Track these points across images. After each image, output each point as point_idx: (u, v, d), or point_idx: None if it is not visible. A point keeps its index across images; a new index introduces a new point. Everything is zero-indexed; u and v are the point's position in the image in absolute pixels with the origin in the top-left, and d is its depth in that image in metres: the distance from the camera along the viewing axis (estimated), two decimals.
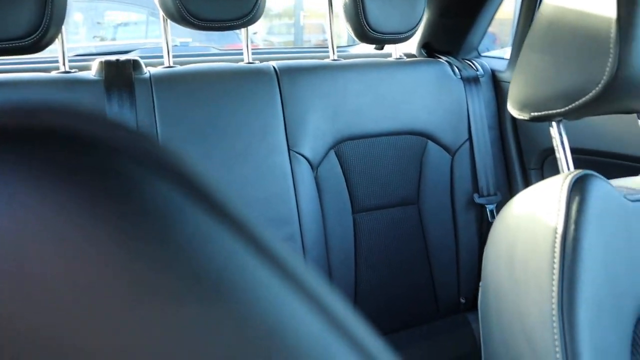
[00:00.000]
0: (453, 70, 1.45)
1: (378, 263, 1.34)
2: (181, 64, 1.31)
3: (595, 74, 0.61)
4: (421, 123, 1.37)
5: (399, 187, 1.36)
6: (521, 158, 1.46)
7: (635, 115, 0.79)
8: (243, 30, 1.36)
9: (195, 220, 0.15)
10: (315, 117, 1.27)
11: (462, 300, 1.45)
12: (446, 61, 1.48)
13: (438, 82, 1.41)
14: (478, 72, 1.48)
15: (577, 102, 0.63)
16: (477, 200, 1.40)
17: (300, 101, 1.26)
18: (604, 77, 0.60)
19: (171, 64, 1.29)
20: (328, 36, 1.48)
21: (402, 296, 1.38)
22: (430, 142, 1.38)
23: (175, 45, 2.01)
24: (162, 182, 0.14)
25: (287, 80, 1.27)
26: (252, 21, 1.25)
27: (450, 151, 1.40)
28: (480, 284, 0.68)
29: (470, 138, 1.41)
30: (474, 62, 1.53)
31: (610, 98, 0.62)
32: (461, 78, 1.44)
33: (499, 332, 0.62)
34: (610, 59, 0.59)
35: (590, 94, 0.62)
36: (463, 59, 1.54)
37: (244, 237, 0.15)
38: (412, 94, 1.37)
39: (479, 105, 1.43)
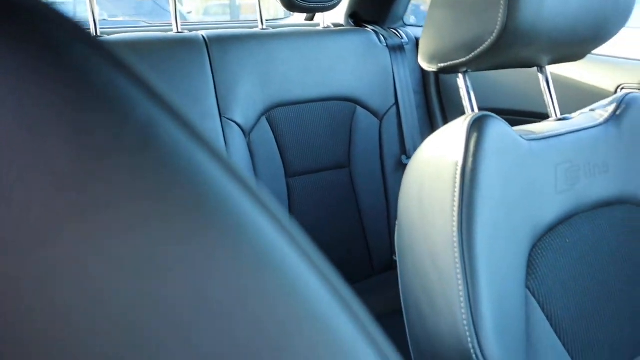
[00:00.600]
0: (379, 39, 1.51)
1: (312, 225, 1.39)
2: (108, 34, 1.30)
3: (489, 24, 0.67)
4: (349, 89, 1.42)
5: (331, 151, 1.41)
6: (445, 120, 1.54)
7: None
8: (171, 0, 1.36)
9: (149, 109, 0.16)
10: (245, 84, 1.30)
11: (395, 258, 1.52)
12: (372, 30, 1.54)
13: (364, 49, 1.47)
14: (403, 40, 1.55)
15: (476, 52, 0.69)
16: (405, 161, 1.47)
17: (230, 69, 1.29)
18: (497, 27, 0.66)
19: (98, 34, 1.28)
20: (257, 7, 1.50)
21: (337, 257, 1.44)
22: (358, 107, 1.44)
23: (103, 20, 1.98)
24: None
25: (216, 48, 1.29)
26: None
27: (378, 115, 1.46)
28: (396, 223, 0.73)
29: (396, 103, 1.48)
30: (399, 30, 1.59)
31: (504, 47, 0.69)
32: (387, 46, 1.50)
33: (412, 264, 0.68)
34: (500, 10, 0.65)
35: (486, 44, 0.68)
36: (389, 28, 1.60)
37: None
38: (340, 61, 1.42)
39: (404, 72, 1.49)
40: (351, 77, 1.43)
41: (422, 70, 1.57)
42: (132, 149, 0.15)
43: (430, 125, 1.57)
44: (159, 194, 0.15)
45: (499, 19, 0.66)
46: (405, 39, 1.56)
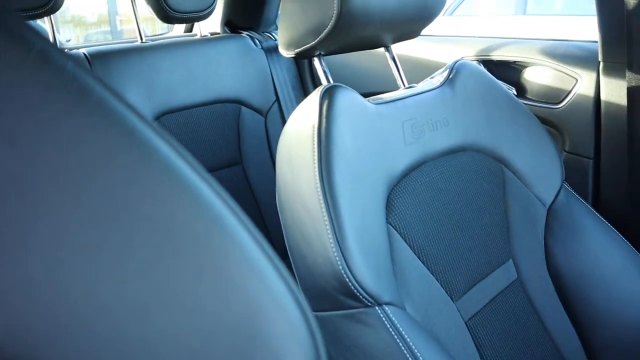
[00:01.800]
0: (254, 42, 1.62)
1: None
2: None
3: (328, 9, 0.79)
4: (232, 91, 1.52)
5: (222, 151, 1.50)
6: None
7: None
8: (47, 19, 1.40)
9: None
10: (131, 96, 1.36)
11: None
12: (248, 35, 1.65)
13: (242, 53, 1.58)
14: (277, 42, 1.67)
15: (322, 35, 0.81)
16: None
17: (114, 83, 1.34)
18: (334, 12, 0.78)
19: None
20: (134, 22, 1.57)
21: None
22: (243, 107, 1.54)
23: None
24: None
25: (98, 64, 1.34)
26: None
27: (262, 113, 1.57)
28: (276, 188, 0.83)
29: (277, 99, 1.60)
30: (272, 33, 1.72)
31: (345, 28, 0.81)
32: (262, 48, 1.62)
33: (290, 218, 0.78)
34: None
35: (329, 27, 0.80)
36: (263, 32, 1.72)
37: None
38: (220, 66, 1.52)
39: (281, 70, 1.62)
40: (232, 79, 1.53)
41: (298, 67, 1.70)
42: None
43: None
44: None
45: (335, 4, 0.78)
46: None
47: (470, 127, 0.93)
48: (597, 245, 0.95)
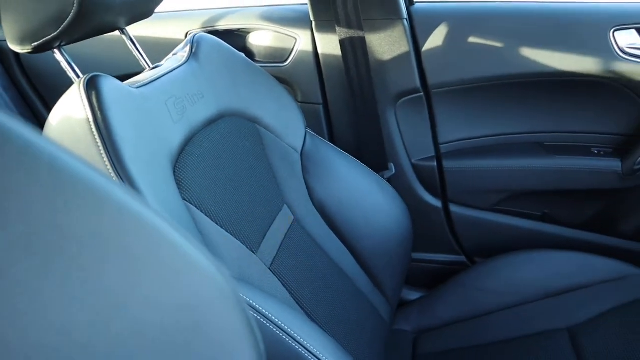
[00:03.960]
0: None
1: None
2: None
3: None
4: None
5: None
6: (47, 104, 1.55)
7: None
8: None
9: None
10: None
11: None
12: None
13: None
14: None
15: (64, 24, 0.77)
16: None
17: None
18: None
19: None
20: None
21: None
22: None
23: None
24: None
25: None
26: None
27: None
28: None
29: None
30: None
31: (88, 15, 0.78)
32: None
33: None
34: None
35: (71, 15, 0.76)
36: None
37: None
38: None
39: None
40: None
41: (3, 63, 1.51)
42: None
43: (34, 115, 1.55)
44: None
45: None
46: None
47: (221, 95, 0.99)
48: (345, 173, 1.13)
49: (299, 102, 1.28)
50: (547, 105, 1.29)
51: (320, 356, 0.70)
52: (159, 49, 1.37)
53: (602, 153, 1.28)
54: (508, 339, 1.11)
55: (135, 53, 1.00)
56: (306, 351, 0.70)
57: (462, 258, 1.43)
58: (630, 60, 1.16)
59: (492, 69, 1.24)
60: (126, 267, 0.22)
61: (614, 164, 1.25)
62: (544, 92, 1.27)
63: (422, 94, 1.28)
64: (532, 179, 1.31)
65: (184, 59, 0.97)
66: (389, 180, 1.25)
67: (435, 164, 1.35)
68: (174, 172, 0.82)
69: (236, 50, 1.06)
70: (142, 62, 1.00)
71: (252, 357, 0.27)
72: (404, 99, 1.29)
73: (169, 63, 0.97)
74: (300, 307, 0.91)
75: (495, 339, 1.13)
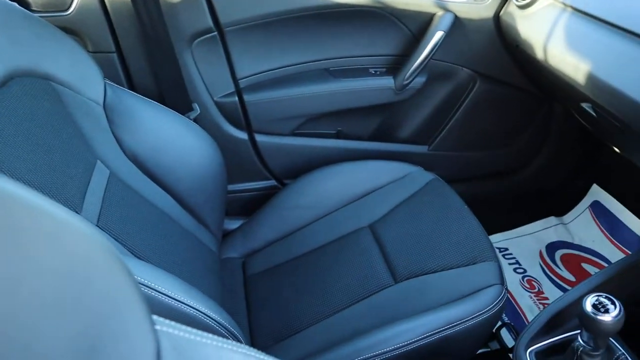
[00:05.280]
0: None
1: None
2: None
3: None
4: None
5: None
6: None
7: None
8: None
9: None
10: None
11: None
12: None
13: None
14: None
15: None
16: None
17: None
18: None
19: None
20: None
21: None
22: None
23: None
24: None
25: None
26: None
27: None
28: None
29: None
30: None
31: None
32: None
33: None
34: None
35: None
36: None
37: None
38: None
39: None
40: None
41: None
42: None
43: None
44: None
45: None
46: None
47: (2, 55, 0.92)
48: (151, 120, 1.15)
49: (90, 52, 1.23)
50: (329, 35, 1.42)
51: (176, 296, 0.77)
52: None
53: (378, 73, 1.48)
54: (322, 245, 1.29)
55: None
56: (159, 294, 0.75)
57: (273, 182, 1.56)
58: None
59: (279, 5, 1.32)
60: (14, 243, 0.24)
61: (388, 82, 1.46)
62: (326, 23, 1.40)
63: (215, 33, 1.32)
64: (323, 102, 1.46)
65: None
66: (195, 120, 1.29)
67: (237, 98, 1.42)
68: None
69: (8, 0, 0.98)
70: None
71: (140, 309, 0.31)
72: (199, 39, 1.32)
73: None
74: (135, 256, 0.94)
75: (311, 247, 1.29)
